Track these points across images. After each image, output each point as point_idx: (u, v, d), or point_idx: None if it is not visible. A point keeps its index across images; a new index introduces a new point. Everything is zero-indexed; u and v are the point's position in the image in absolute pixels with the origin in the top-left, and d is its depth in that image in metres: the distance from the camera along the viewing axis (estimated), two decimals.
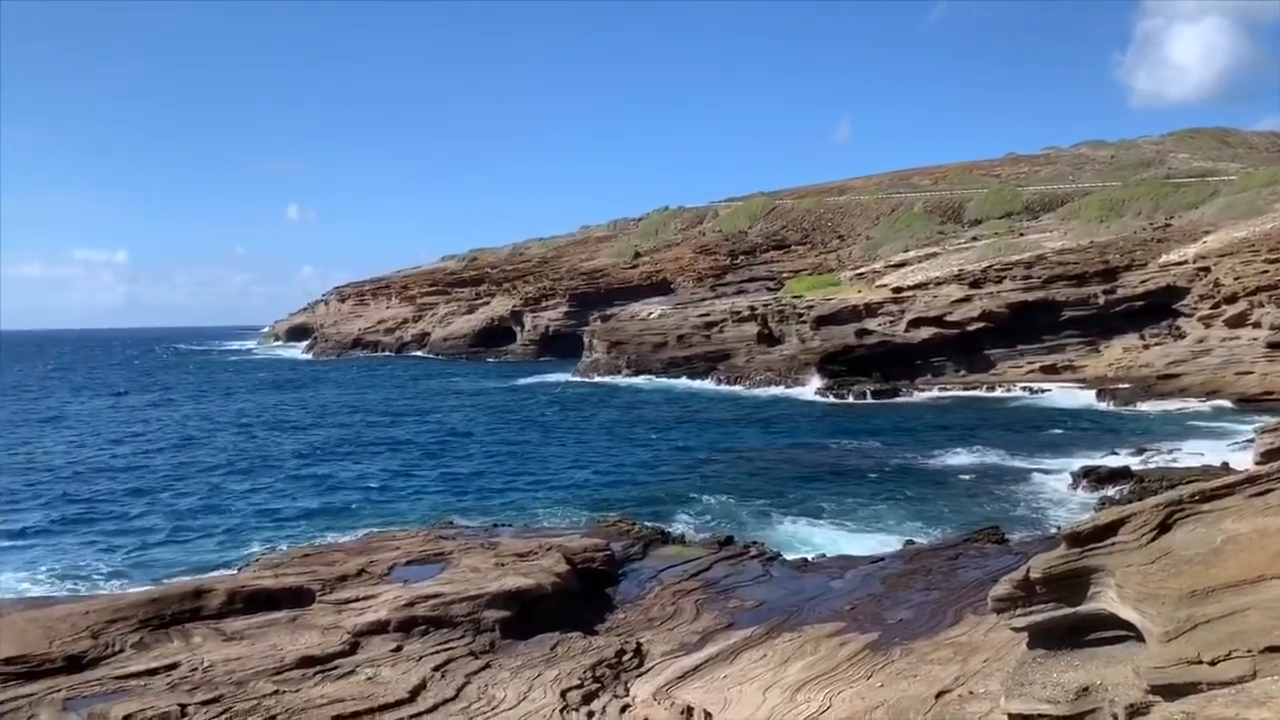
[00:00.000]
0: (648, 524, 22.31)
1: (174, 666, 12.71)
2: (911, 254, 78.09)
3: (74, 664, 12.86)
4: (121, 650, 13.36)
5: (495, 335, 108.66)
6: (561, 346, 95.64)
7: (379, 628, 13.93)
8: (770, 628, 14.99)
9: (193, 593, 14.98)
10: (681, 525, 24.71)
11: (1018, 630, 9.47)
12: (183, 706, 11.34)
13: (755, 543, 20.84)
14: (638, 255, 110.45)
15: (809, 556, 20.31)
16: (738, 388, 64.70)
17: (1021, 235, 76.46)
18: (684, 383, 68.77)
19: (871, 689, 12.17)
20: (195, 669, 12.56)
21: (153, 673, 12.59)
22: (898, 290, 67.58)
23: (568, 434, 45.92)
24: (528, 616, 14.92)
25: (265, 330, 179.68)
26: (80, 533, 27.32)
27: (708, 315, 74.98)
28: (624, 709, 11.95)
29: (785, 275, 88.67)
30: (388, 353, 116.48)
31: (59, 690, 12.02)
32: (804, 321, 67.54)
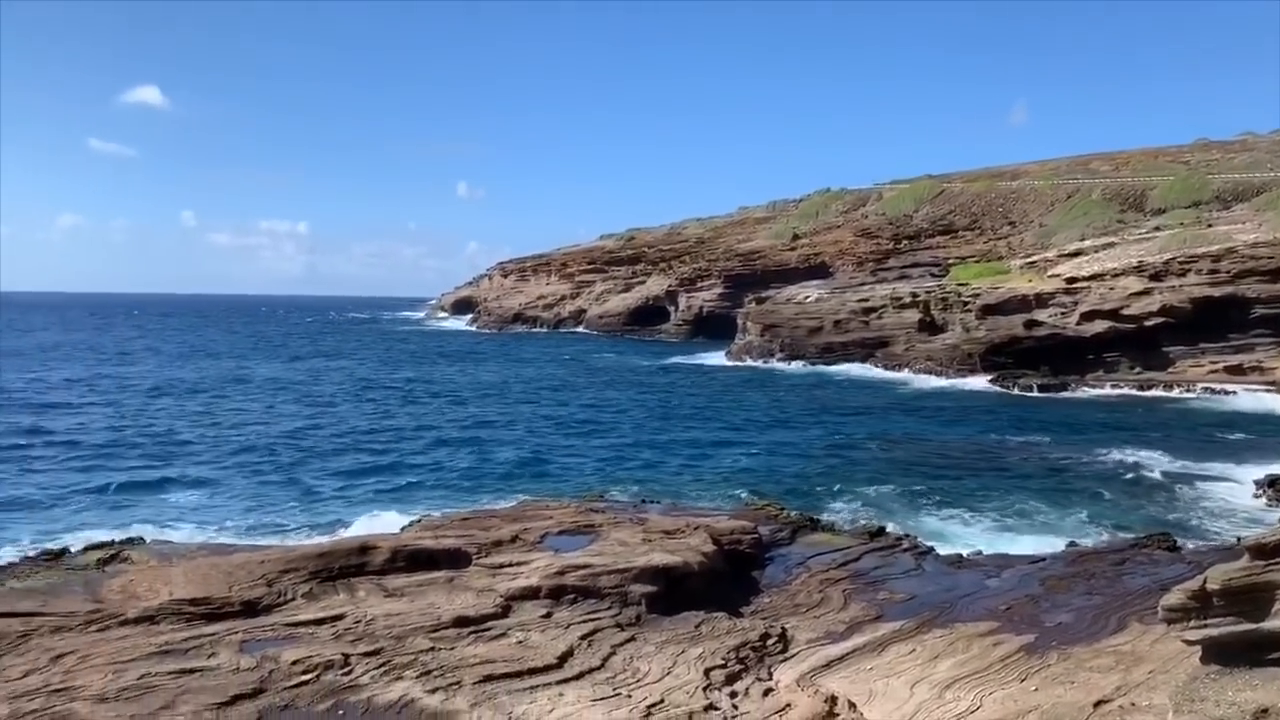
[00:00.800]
0: (796, 510, 22.11)
1: (339, 618, 13.41)
2: (1087, 243, 74.24)
3: (250, 609, 13.74)
4: (292, 599, 14.19)
5: (649, 314, 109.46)
6: (714, 328, 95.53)
7: (530, 594, 14.32)
8: (920, 622, 14.65)
9: (359, 549, 15.76)
10: (832, 513, 24.37)
11: (1190, 643, 8.95)
12: (346, 656, 11.96)
13: (908, 535, 20.35)
14: (796, 237, 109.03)
15: (964, 553, 19.70)
16: (896, 376, 63.18)
17: (1210, 226, 71.46)
18: (839, 369, 67.63)
19: (1025, 692, 11.74)
20: (359, 621, 13.22)
21: (320, 622, 13.32)
22: (1071, 281, 64.40)
23: (717, 416, 45.91)
24: (673, 593, 15.04)
25: (433, 302, 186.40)
26: (256, 486, 29.12)
27: (867, 301, 73.37)
28: (766, 692, 11.91)
29: (950, 261, 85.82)
30: (544, 328, 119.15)
31: (236, 632, 12.86)
32: (969, 310, 65.26)
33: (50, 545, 18.99)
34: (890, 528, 21.25)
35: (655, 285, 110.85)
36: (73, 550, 17.90)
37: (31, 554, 18.07)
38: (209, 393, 53.72)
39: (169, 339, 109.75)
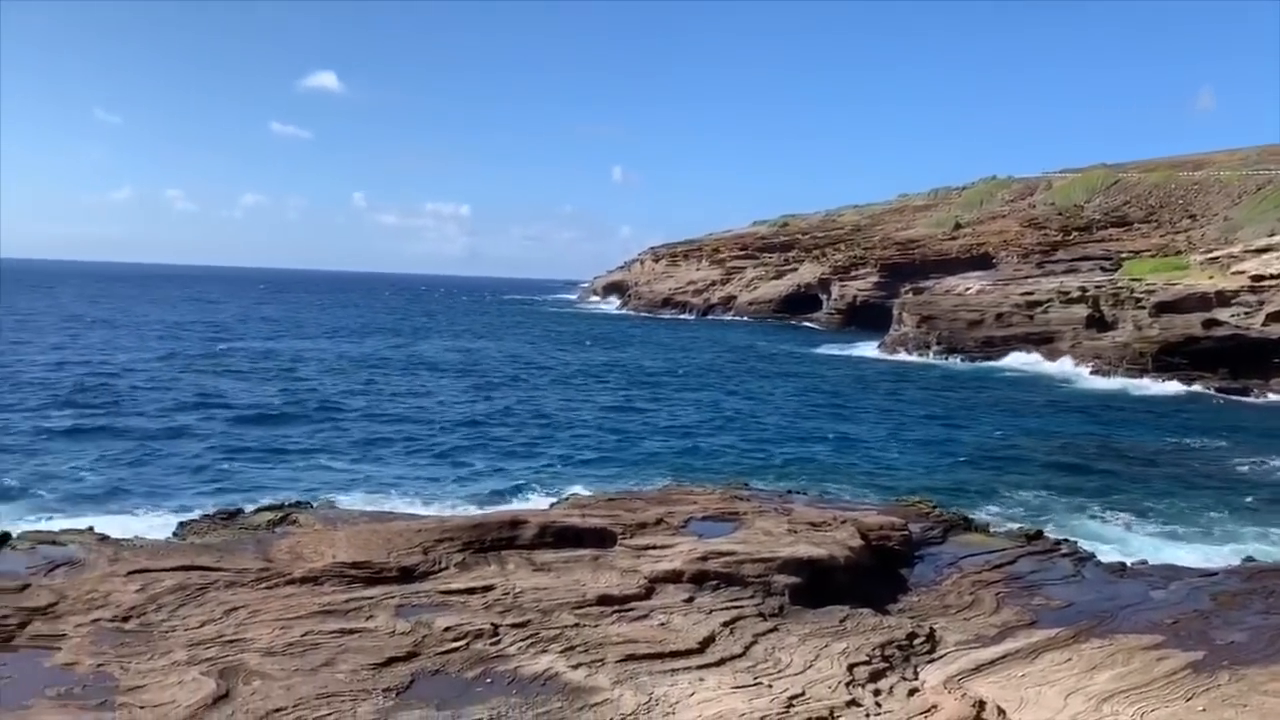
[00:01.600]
0: (949, 508, 21.47)
1: (489, 589, 13.81)
2: (1277, 238, 69.19)
3: (406, 575, 14.30)
4: (446, 568, 14.70)
5: (800, 302, 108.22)
6: (868, 317, 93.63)
7: (673, 577, 14.40)
8: (1077, 631, 13.99)
9: (509, 523, 16.19)
10: (986, 513, 23.58)
11: None
12: (495, 626, 12.31)
13: (1066, 540, 19.47)
14: (958, 226, 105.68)
15: (1127, 561, 18.72)
16: (1060, 373, 60.52)
17: None
18: (999, 364, 65.26)
19: (1191, 711, 11.08)
20: (508, 593, 13.58)
21: (471, 591, 13.75)
22: (1257, 279, 60.12)
23: (869, 408, 45.02)
24: (817, 586, 14.85)
25: (585, 285, 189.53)
26: (415, 457, 30.32)
27: (1032, 294, 70.42)
28: (911, 692, 11.63)
29: (1124, 255, 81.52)
30: (693, 314, 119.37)
31: (393, 597, 13.42)
32: (1142, 307, 61.81)
33: (226, 506, 20.30)
34: (1048, 531, 20.40)
35: (808, 273, 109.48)
36: (246, 511, 19.06)
37: (210, 513, 19.34)
38: (376, 367, 56.20)
39: (340, 314, 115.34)
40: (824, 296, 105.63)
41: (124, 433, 32.14)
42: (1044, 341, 66.02)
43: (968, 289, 77.43)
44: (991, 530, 20.31)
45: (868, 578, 15.88)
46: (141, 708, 9.92)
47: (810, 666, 11.83)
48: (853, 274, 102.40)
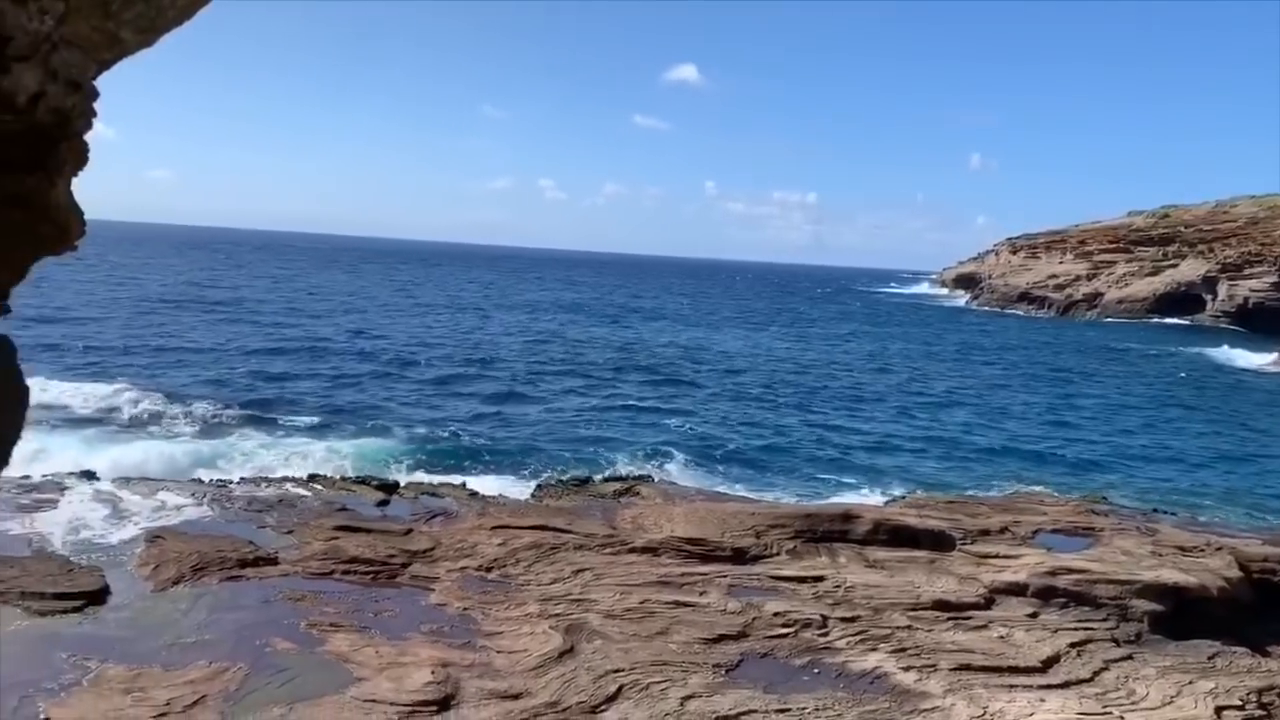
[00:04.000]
0: None
1: (819, 579, 13.80)
2: None
3: (738, 556, 14.63)
4: (778, 554, 14.86)
5: (1178, 302, 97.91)
6: (1263, 321, 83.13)
7: (1016, 589, 13.63)
8: None
9: (842, 515, 16.06)
10: None
11: None
12: (824, 617, 12.29)
13: None
14: None
15: None
16: None
17: None
18: None
19: None
20: (838, 586, 13.50)
21: (801, 580, 13.81)
22: None
23: (1253, 425, 39.91)
24: (1182, 616, 13.43)
25: (934, 277, 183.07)
26: (752, 441, 30.87)
27: None
28: None
29: None
30: (1052, 310, 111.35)
31: (725, 576, 13.78)
32: None
33: (578, 474, 21.81)
34: None
35: (1189, 269, 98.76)
36: (595, 480, 20.35)
37: (564, 479, 20.85)
38: (718, 349, 57.84)
39: (717, 303, 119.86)
40: (1208, 296, 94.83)
41: (499, 396, 35.66)
42: None
43: None
44: None
45: (1244, 614, 14.13)
46: (499, 652, 10.92)
47: (1169, 703, 10.76)
48: (1245, 272, 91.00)
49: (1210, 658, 12.27)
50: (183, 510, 15.43)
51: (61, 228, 3.06)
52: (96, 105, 3.02)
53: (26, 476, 16.72)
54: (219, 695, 9.44)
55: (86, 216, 3.17)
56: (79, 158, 3.07)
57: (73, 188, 3.14)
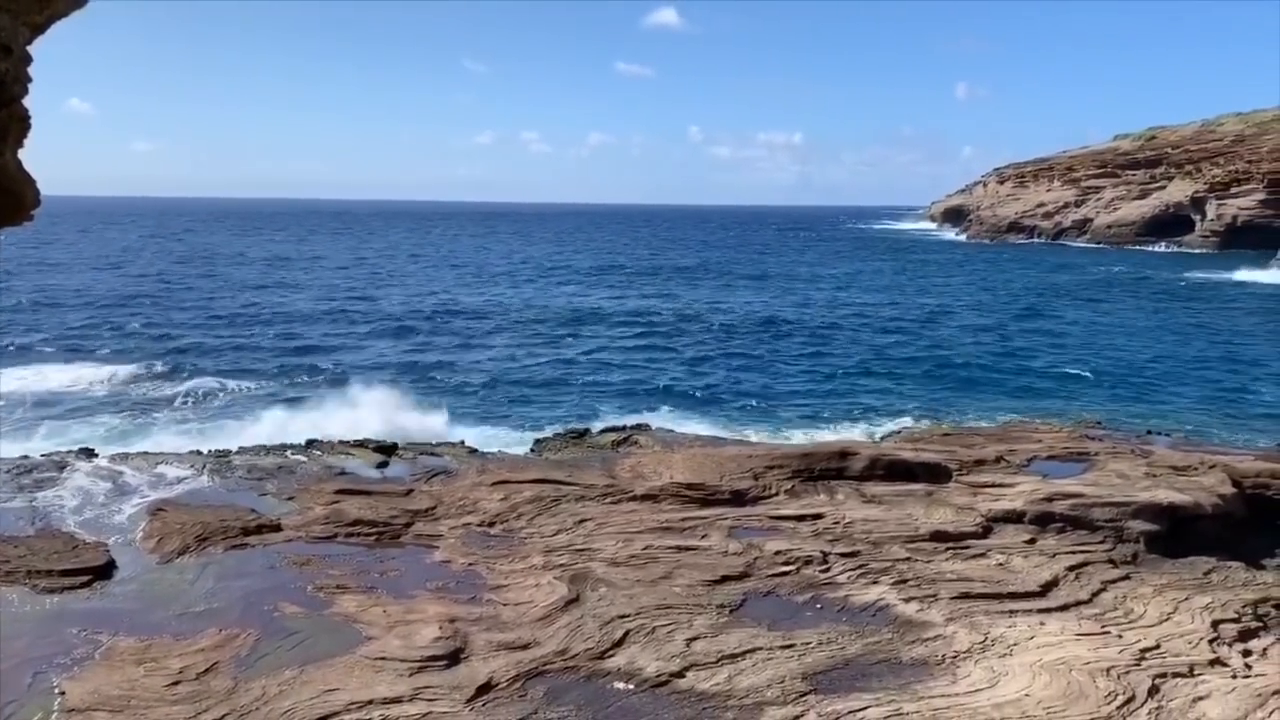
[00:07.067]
0: None
1: (818, 516, 13.94)
2: None
3: (737, 498, 14.77)
4: (776, 494, 15.00)
5: (1167, 224, 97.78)
6: (1250, 240, 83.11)
7: (1013, 517, 13.78)
8: None
9: (839, 453, 16.19)
10: None
11: None
12: (824, 554, 12.43)
13: None
14: None
15: None
16: None
17: None
18: None
19: None
20: (837, 522, 13.64)
21: (800, 518, 13.95)
22: None
23: (1248, 344, 40.10)
24: (1177, 535, 13.62)
25: (921, 211, 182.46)
26: (743, 381, 30.99)
27: None
28: None
29: None
30: (1042, 239, 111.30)
31: (725, 519, 13.91)
32: None
33: (576, 425, 21.88)
34: None
35: (1177, 191, 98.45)
36: (593, 431, 20.42)
37: (560, 431, 20.92)
38: (733, 300, 57.80)
39: (715, 249, 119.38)
40: (1197, 217, 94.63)
41: (485, 357, 35.66)
42: None
43: None
44: None
45: (1239, 529, 14.34)
46: (505, 605, 11.05)
47: (1167, 619, 10.94)
48: (1233, 191, 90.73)
49: (1206, 573, 12.45)
50: (183, 482, 15.50)
51: (16, 197, 3.03)
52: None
53: (25, 456, 16.78)
54: (231, 661, 9.56)
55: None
56: (22, 125, 3.02)
57: (20, 157, 3.10)
